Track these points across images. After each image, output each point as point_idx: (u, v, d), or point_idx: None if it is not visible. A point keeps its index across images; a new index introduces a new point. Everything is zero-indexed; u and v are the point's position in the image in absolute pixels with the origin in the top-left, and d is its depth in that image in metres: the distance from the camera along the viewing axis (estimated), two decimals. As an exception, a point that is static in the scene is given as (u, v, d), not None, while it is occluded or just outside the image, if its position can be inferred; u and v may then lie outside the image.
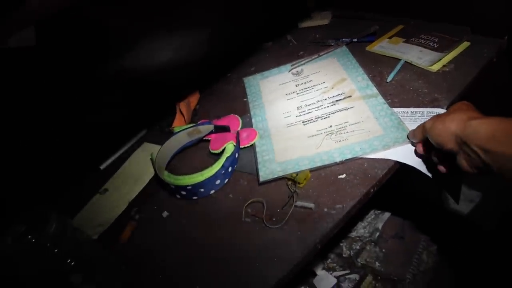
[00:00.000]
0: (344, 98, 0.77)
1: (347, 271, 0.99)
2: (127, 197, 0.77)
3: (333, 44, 0.94)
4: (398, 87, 0.76)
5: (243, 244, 0.60)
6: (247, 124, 0.82)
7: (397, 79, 0.78)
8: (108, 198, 0.79)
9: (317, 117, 0.75)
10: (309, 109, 0.78)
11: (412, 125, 0.64)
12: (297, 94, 0.83)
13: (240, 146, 0.76)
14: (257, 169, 0.69)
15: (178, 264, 0.62)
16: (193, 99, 0.96)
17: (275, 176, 0.66)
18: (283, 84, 0.88)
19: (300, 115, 0.77)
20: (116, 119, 0.89)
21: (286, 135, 0.74)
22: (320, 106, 0.77)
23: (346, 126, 0.70)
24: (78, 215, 0.77)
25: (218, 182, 0.70)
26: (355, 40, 0.92)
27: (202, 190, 0.69)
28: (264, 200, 0.63)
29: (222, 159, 0.70)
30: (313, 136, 0.71)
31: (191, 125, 0.83)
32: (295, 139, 0.72)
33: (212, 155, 0.77)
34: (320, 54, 0.92)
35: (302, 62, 0.91)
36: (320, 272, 0.99)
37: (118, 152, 0.91)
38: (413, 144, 0.62)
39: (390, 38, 0.89)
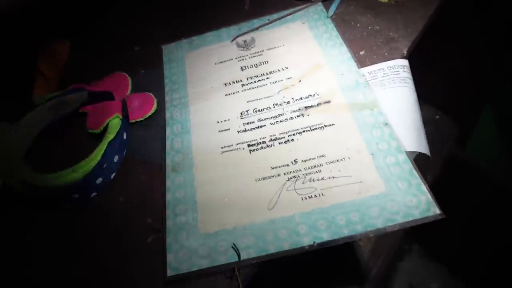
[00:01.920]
0: (318, 105, 0.46)
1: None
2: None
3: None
4: (341, 24, 0.56)
5: (139, 283, 0.38)
6: (141, 85, 0.55)
7: (339, 13, 0.57)
8: None
9: (273, 137, 0.44)
10: (260, 119, 0.46)
11: (381, 92, 0.47)
12: (243, 85, 0.51)
13: (131, 121, 0.50)
14: (163, 242, 0.39)
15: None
16: (61, 51, 0.62)
17: (197, 269, 0.36)
18: (222, 62, 0.55)
19: (245, 130, 0.46)
20: None
21: (220, 170, 0.43)
22: (279, 115, 0.46)
23: (322, 164, 0.41)
24: None
25: (99, 180, 0.44)
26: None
27: (76, 195, 0.43)
28: None
29: (103, 146, 0.45)
30: (264, 179, 0.41)
31: (57, 93, 0.52)
32: (235, 180, 0.42)
33: (92, 136, 0.49)
34: (282, 14, 0.58)
35: (255, 26, 0.57)
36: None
37: None
38: None
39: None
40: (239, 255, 0.36)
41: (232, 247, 0.37)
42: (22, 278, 0.41)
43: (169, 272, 0.37)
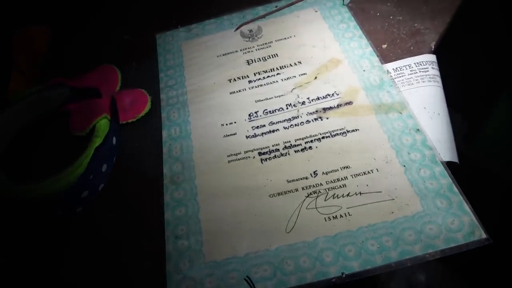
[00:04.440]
0: (338, 106, 0.40)
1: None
2: None
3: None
4: (358, 13, 0.49)
5: None
6: (132, 80, 0.48)
7: (356, 1, 0.50)
8: None
9: (288, 144, 0.38)
10: (272, 122, 0.40)
11: (407, 92, 0.41)
12: (250, 82, 0.44)
13: (121, 122, 0.44)
14: (162, 270, 0.33)
15: None
16: (40, 40, 0.54)
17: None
18: (225, 55, 0.48)
19: (255, 135, 0.40)
20: None
21: (227, 183, 0.37)
22: (293, 118, 0.40)
23: (346, 177, 0.35)
24: None
25: (85, 193, 0.37)
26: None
27: (59, 211, 0.37)
28: None
29: (89, 152, 0.38)
30: (280, 195, 0.35)
31: (36, 88, 0.45)
32: (244, 197, 0.36)
33: (77, 138, 0.43)
34: (292, 0, 0.51)
35: (261, 14, 0.51)
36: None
37: None
38: None
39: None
40: (254, 290, 0.30)
41: (246, 279, 0.31)
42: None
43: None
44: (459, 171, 0.38)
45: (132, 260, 0.35)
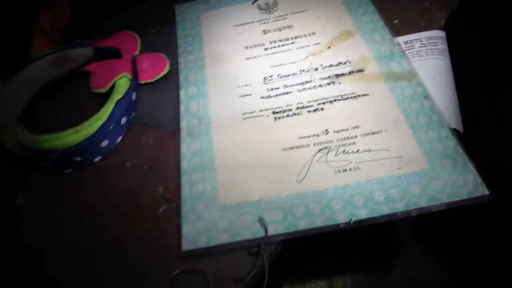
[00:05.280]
0: (350, 73, 0.42)
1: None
2: None
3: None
4: None
5: (151, 256, 0.33)
6: (151, 46, 0.50)
7: None
8: None
9: (301, 105, 0.40)
10: (286, 85, 0.42)
11: (417, 63, 0.42)
12: (266, 49, 0.46)
13: (140, 82, 0.45)
14: (177, 213, 0.34)
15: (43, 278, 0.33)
16: (63, 6, 0.56)
17: (217, 244, 0.32)
18: (242, 25, 0.50)
19: (269, 96, 0.41)
20: None
21: (241, 137, 0.38)
22: (307, 82, 0.42)
23: (356, 136, 0.36)
24: None
25: (105, 143, 0.40)
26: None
27: (78, 158, 0.39)
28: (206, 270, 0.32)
29: (110, 105, 0.41)
30: (292, 149, 0.37)
31: (61, 47, 0.47)
32: (258, 149, 0.37)
33: (97, 96, 0.44)
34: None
35: (277, -12, 0.52)
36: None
37: None
38: None
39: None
40: (266, 230, 0.32)
41: (259, 221, 0.32)
42: (14, 243, 0.36)
43: (185, 246, 0.32)
44: (463, 138, 0.39)
45: (148, 205, 0.36)
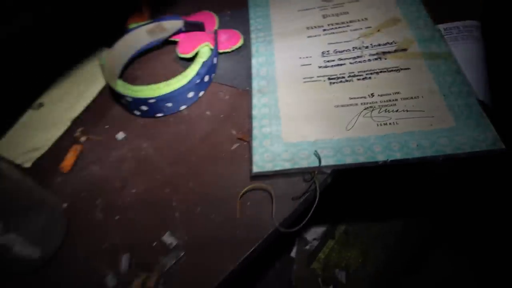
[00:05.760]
0: (395, 51, 0.50)
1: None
2: (70, 114, 0.55)
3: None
4: None
5: (226, 178, 0.44)
6: (227, 24, 0.61)
7: None
8: (45, 114, 0.56)
9: (352, 74, 0.49)
10: (340, 59, 0.51)
11: (453, 46, 0.51)
12: (324, 30, 0.55)
13: (219, 51, 0.56)
14: (249, 147, 0.44)
15: (138, 200, 0.44)
16: None
17: (280, 169, 0.41)
18: (304, 10, 0.59)
19: (326, 66, 0.51)
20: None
21: (302, 96, 0.48)
22: (358, 57, 0.51)
23: (397, 100, 0.45)
24: (3, 139, 0.54)
25: (191, 94, 0.51)
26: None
27: (169, 105, 0.50)
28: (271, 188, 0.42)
29: (197, 65, 0.51)
30: (343, 106, 0.46)
31: (153, 20, 0.58)
32: (315, 105, 0.46)
33: (181, 60, 0.56)
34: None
35: (337, -19, 0.62)
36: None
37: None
38: None
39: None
40: (320, 160, 0.41)
41: (314, 153, 0.41)
42: (116, 163, 0.47)
43: (255, 169, 0.42)
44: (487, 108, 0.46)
45: (224, 143, 0.46)
